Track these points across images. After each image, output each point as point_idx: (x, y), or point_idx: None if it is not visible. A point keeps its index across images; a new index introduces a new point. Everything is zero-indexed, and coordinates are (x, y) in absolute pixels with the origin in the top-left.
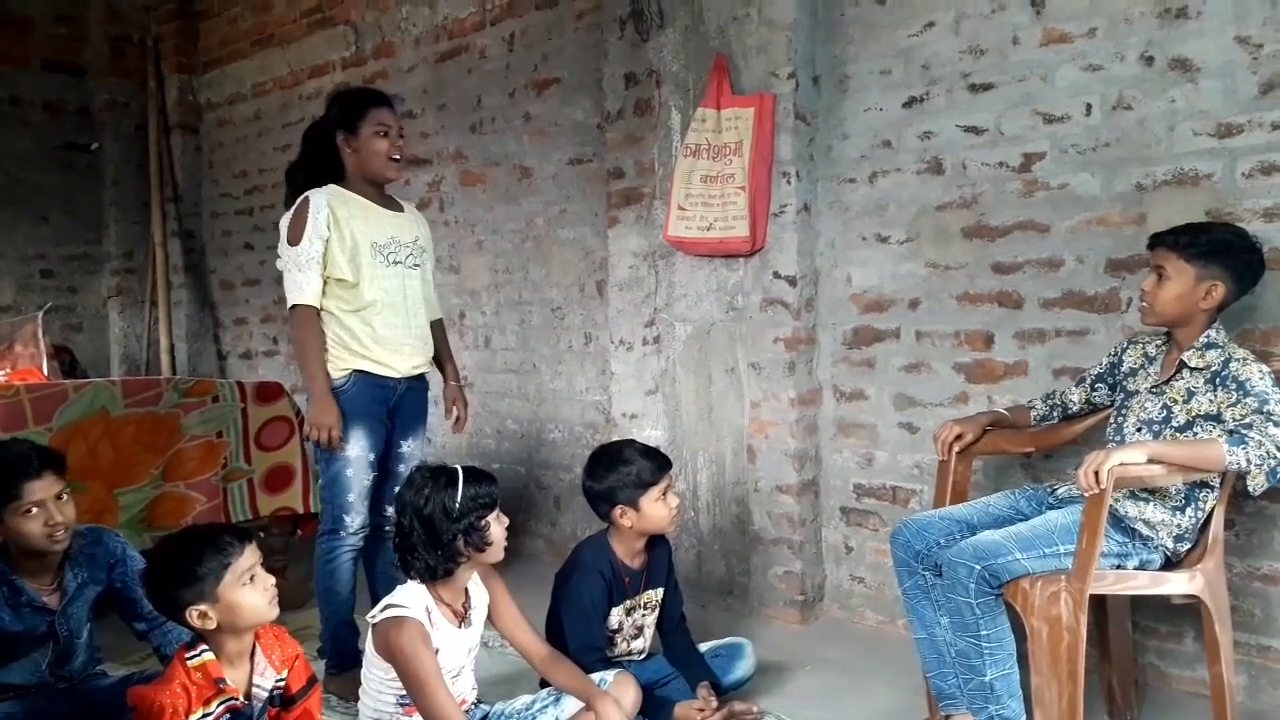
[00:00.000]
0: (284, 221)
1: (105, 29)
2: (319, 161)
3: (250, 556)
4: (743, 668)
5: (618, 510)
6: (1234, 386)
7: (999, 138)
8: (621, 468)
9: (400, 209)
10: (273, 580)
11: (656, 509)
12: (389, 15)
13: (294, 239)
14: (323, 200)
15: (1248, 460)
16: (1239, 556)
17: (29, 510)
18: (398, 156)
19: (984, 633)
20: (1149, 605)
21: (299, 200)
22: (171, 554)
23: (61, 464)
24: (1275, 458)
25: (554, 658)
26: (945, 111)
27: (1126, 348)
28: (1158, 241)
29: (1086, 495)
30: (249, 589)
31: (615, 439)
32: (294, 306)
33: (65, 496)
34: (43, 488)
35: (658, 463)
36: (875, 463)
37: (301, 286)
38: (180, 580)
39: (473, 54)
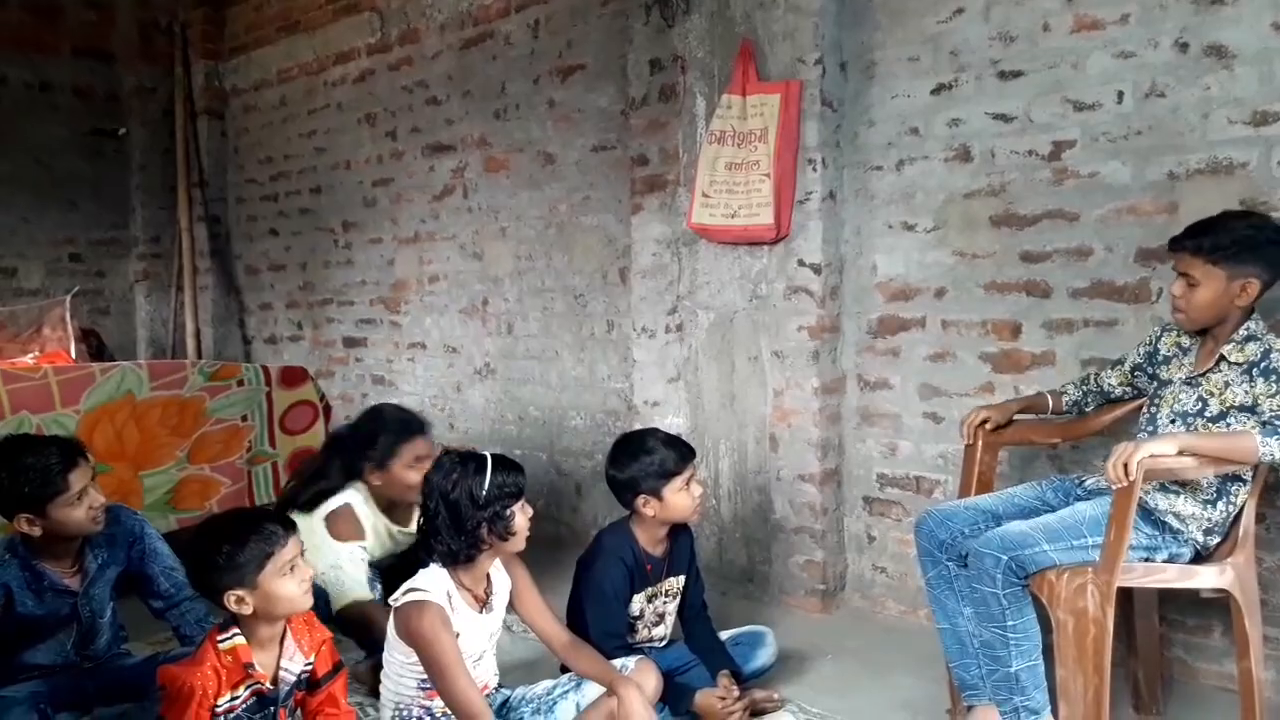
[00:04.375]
0: None
1: (134, 15)
2: None
3: (293, 548)
4: (764, 656)
5: (641, 499)
6: (1274, 378)
7: (1028, 125)
8: (645, 457)
9: None
10: (310, 572)
11: (680, 498)
12: (414, 1)
13: None
14: None
15: None
16: (1269, 550)
17: (75, 500)
18: None
19: (1010, 623)
20: (1176, 598)
21: None
22: (217, 537)
23: (86, 450)
24: None
25: (575, 644)
26: (974, 99)
27: (1161, 335)
28: (1180, 247)
29: (1115, 488)
30: (288, 579)
31: (638, 427)
32: None
33: (95, 478)
34: (82, 475)
35: (681, 452)
36: (899, 452)
37: None
38: (223, 564)
39: (498, 40)
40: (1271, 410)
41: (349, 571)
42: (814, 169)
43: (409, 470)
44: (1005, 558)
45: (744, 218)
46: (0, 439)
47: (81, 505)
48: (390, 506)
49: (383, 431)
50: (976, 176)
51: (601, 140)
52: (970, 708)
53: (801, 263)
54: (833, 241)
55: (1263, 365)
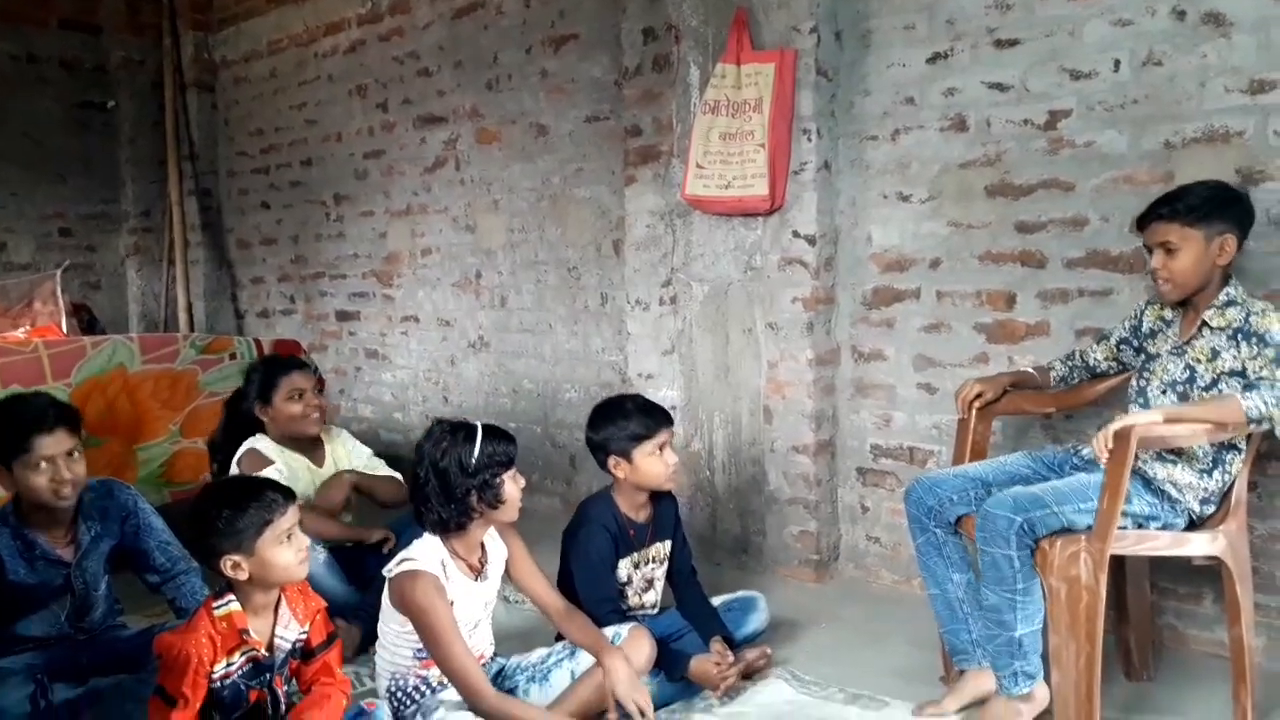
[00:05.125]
0: None
1: None
2: None
3: (291, 517)
4: (756, 621)
5: (612, 460)
6: (1255, 340)
7: (1024, 94)
8: (618, 420)
9: None
10: (307, 542)
11: (649, 463)
12: None
13: None
14: None
15: (1265, 405)
16: (1261, 519)
17: (38, 465)
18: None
19: (1020, 586)
20: (1168, 566)
21: None
22: (218, 501)
23: (77, 421)
24: None
25: (569, 611)
26: (970, 68)
27: (1144, 309)
28: (1153, 218)
29: (1101, 462)
30: (284, 547)
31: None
32: None
33: (77, 454)
34: (53, 443)
35: (655, 418)
36: (893, 423)
37: None
38: (222, 529)
39: (489, 10)
40: (1254, 372)
41: None
42: (809, 139)
43: (289, 403)
44: (1019, 519)
45: (738, 189)
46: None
47: (43, 474)
48: (293, 446)
49: (261, 369)
50: (972, 146)
51: (595, 111)
52: (962, 672)
53: (796, 234)
54: (827, 212)
55: (1245, 329)
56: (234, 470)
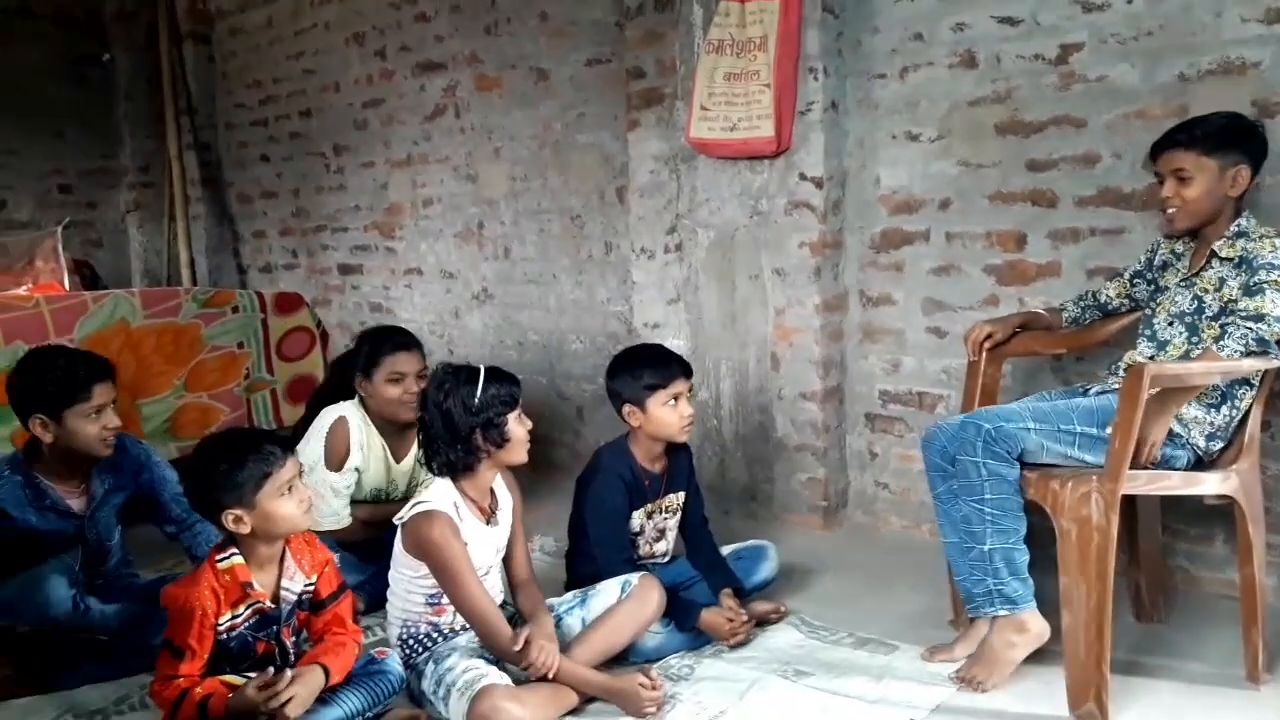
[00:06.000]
0: None
1: None
2: None
3: (291, 468)
4: (766, 570)
5: (627, 409)
6: (1245, 268)
7: (1035, 29)
8: (635, 368)
9: None
10: (309, 493)
11: (663, 413)
12: None
13: None
14: None
15: (1242, 346)
16: (1274, 458)
17: (94, 412)
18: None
19: (988, 497)
20: (1179, 507)
21: None
22: (216, 456)
23: (115, 373)
24: (1253, 330)
25: (527, 582)
26: (980, 1)
27: (1159, 245)
28: (1169, 145)
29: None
30: (286, 499)
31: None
32: None
33: (114, 405)
34: (105, 391)
35: (671, 368)
36: (902, 368)
37: None
38: (221, 483)
39: None
40: (1230, 300)
41: (326, 500)
42: (815, 78)
43: (389, 385)
44: (988, 426)
45: (744, 130)
46: (32, 349)
47: (97, 421)
48: (383, 427)
49: (370, 341)
50: (981, 83)
51: (596, 54)
52: (974, 620)
53: (803, 176)
54: (835, 154)
55: (1249, 258)
56: (316, 427)
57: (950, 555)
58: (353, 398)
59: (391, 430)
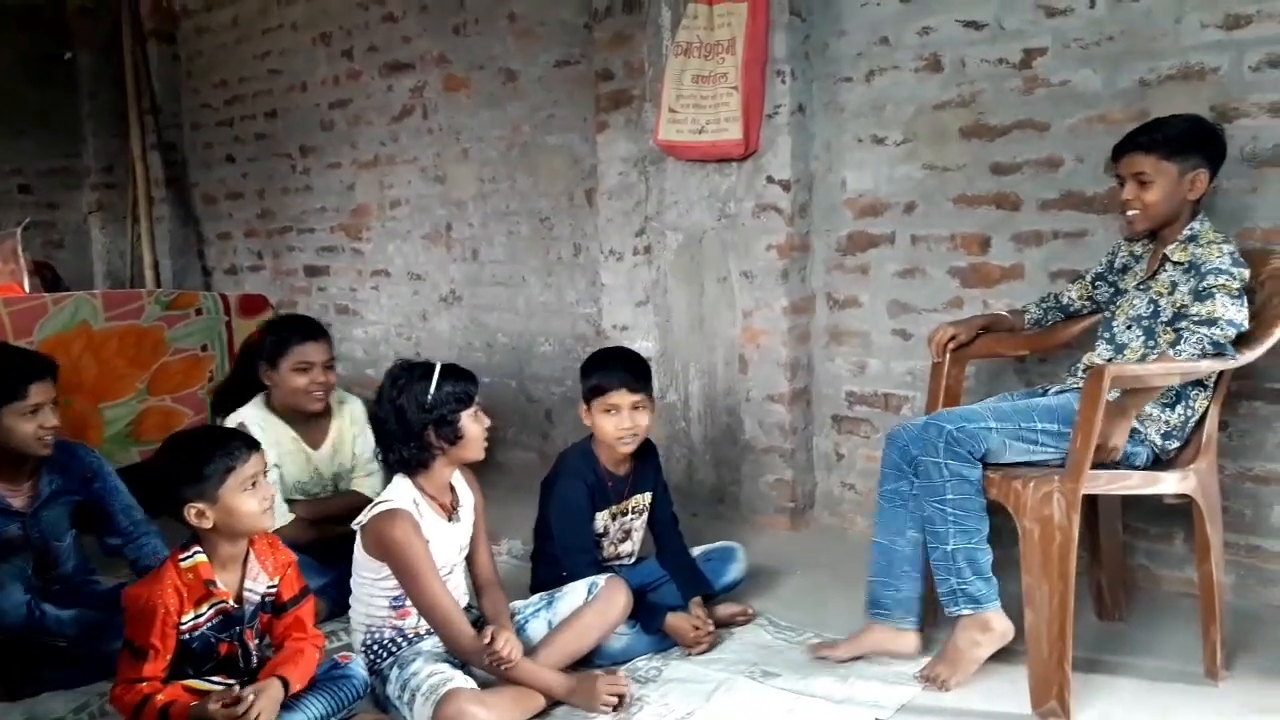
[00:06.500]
0: None
1: None
2: None
3: (255, 464)
4: (734, 571)
5: (582, 409)
6: (1193, 273)
7: (999, 33)
8: (589, 370)
9: None
10: (273, 491)
11: (602, 420)
12: None
13: None
14: None
15: (1197, 351)
16: (1231, 458)
17: (30, 411)
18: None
19: (950, 497)
20: (1139, 506)
21: None
22: (180, 450)
23: (56, 372)
24: (1207, 335)
25: (491, 585)
26: (945, 5)
27: (1119, 247)
28: (1130, 147)
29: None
30: (249, 495)
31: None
32: None
33: (55, 405)
34: (43, 391)
35: (613, 378)
36: (868, 370)
37: None
38: (185, 477)
39: None
40: (1183, 306)
41: None
42: (782, 81)
43: (295, 374)
44: (950, 427)
45: (712, 133)
46: None
47: (34, 420)
48: (292, 418)
49: (276, 330)
50: (947, 87)
51: (565, 55)
52: (870, 626)
53: (770, 179)
54: (802, 157)
55: (1197, 263)
56: None
57: (875, 553)
58: (261, 390)
59: (300, 420)
